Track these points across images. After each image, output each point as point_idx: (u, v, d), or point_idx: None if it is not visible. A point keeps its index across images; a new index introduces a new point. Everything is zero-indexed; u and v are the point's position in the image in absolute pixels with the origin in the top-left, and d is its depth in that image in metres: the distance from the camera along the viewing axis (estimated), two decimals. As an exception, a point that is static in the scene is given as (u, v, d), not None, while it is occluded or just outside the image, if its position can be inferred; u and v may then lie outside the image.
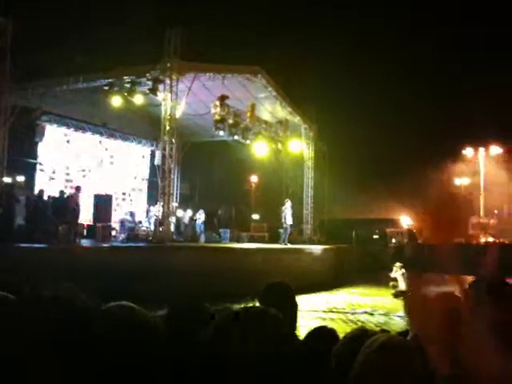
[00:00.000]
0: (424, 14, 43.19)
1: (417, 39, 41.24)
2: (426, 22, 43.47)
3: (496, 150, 34.58)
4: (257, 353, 1.46)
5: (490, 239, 29.25)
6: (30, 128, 18.03)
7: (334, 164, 25.89)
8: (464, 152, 35.07)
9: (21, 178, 19.52)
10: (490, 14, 40.46)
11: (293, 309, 2.40)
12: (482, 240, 29.02)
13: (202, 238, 19.65)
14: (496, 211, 35.91)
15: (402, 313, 12.20)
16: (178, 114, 16.89)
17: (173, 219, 17.86)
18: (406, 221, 30.48)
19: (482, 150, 34.85)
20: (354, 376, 1.40)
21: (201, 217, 20.32)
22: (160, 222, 16.34)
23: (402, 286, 14.57)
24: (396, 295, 14.48)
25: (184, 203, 24.44)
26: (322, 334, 2.30)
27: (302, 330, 2.59)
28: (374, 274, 19.63)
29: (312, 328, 2.47)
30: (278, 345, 1.52)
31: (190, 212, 23.47)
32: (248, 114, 20.18)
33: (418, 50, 40.21)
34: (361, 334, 1.72)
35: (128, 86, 16.30)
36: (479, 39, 40.14)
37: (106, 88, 16.42)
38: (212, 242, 19.74)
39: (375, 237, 25.43)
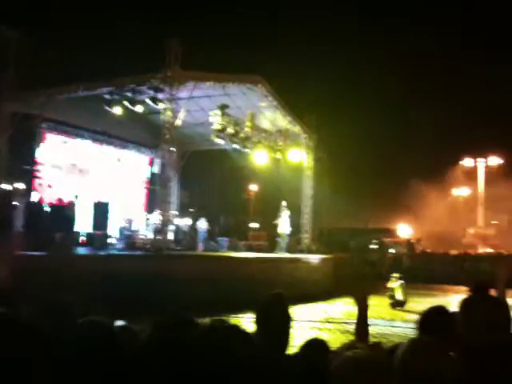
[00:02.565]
0: (425, 28, 43.49)
1: (417, 48, 41.45)
2: (428, 33, 43.67)
3: (496, 160, 34.63)
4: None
5: (489, 250, 29.25)
6: (30, 135, 18.08)
7: (334, 174, 25.95)
8: (463, 163, 35.14)
9: (20, 185, 19.54)
10: (490, 27, 40.76)
11: (285, 322, 2.41)
12: (480, 250, 29.02)
13: (200, 247, 19.63)
14: (495, 222, 35.92)
15: (399, 323, 12.18)
16: (178, 122, 16.94)
17: (171, 227, 17.85)
18: (403, 230, 30.51)
19: (481, 160, 34.91)
20: None
21: (203, 225, 20.30)
22: (158, 230, 16.34)
23: (399, 296, 14.55)
24: (393, 305, 14.46)
25: (183, 211, 24.44)
26: (314, 346, 2.37)
27: (300, 340, 2.62)
28: (371, 284, 19.58)
29: (305, 340, 2.52)
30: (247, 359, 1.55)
31: (188, 220, 23.47)
32: (248, 123, 20.23)
33: (418, 60, 40.45)
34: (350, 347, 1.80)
35: (128, 94, 16.36)
36: (479, 50, 40.38)
37: (107, 96, 16.49)
38: (210, 250, 19.72)
39: (373, 246, 25.40)
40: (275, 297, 2.53)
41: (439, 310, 2.52)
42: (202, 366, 1.55)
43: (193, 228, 21.65)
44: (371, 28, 43.48)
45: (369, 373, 1.44)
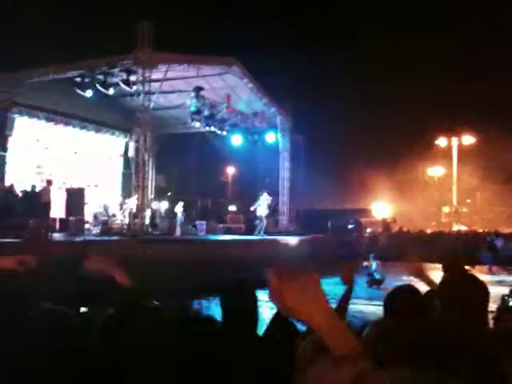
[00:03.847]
0: (395, 5, 43.56)
1: (390, 29, 41.53)
2: (400, 10, 43.78)
3: (469, 139, 35.09)
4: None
5: (463, 227, 29.84)
6: (0, 120, 17.61)
7: (310, 155, 26.02)
8: (437, 142, 35.53)
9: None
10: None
11: (253, 305, 2.42)
12: (455, 228, 29.58)
13: (178, 231, 19.54)
14: (469, 200, 36.62)
15: (375, 301, 12.35)
16: (152, 104, 16.71)
17: (148, 212, 17.70)
18: (379, 211, 30.88)
19: (455, 139, 35.33)
20: None
21: (180, 209, 20.17)
22: (135, 215, 16.19)
23: (377, 275, 14.74)
24: (370, 284, 14.65)
25: (160, 195, 24.25)
26: (282, 327, 2.38)
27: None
28: (349, 264, 19.83)
29: (274, 321, 2.53)
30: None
31: (165, 204, 23.30)
32: (224, 105, 20.08)
33: (390, 43, 40.56)
34: None
35: (100, 77, 16.03)
36: (451, 28, 40.63)
37: (78, 79, 16.13)
38: (188, 234, 19.65)
39: (350, 226, 25.66)
40: (238, 284, 2.55)
41: (407, 289, 2.52)
42: (160, 352, 1.52)
43: (170, 212, 21.51)
44: (346, 12, 43.35)
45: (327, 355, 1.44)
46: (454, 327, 1.83)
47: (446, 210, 34.52)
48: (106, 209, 18.35)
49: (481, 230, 26.73)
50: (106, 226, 17.18)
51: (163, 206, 23.21)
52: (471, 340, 1.47)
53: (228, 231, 22.00)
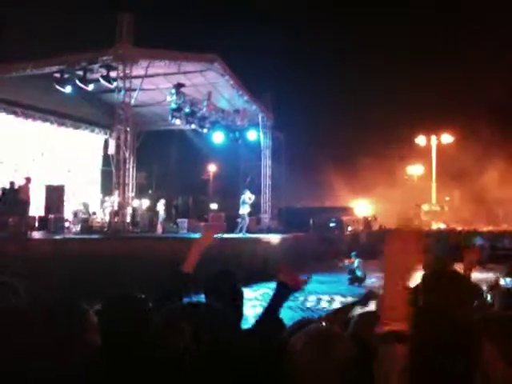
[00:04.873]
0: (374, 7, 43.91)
1: (368, 29, 41.85)
2: (378, 11, 44.12)
3: (448, 138, 35.54)
4: (209, 345, 1.44)
5: (442, 225, 30.20)
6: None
7: (292, 153, 26.09)
8: (417, 140, 35.92)
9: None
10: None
11: (237, 298, 2.41)
12: (434, 226, 29.94)
13: (160, 229, 19.40)
14: (447, 198, 37.13)
15: (356, 298, 12.43)
16: (133, 101, 16.54)
17: (129, 210, 17.54)
18: (360, 209, 31.10)
19: (433, 138, 35.75)
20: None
21: (162, 207, 20.03)
22: (115, 213, 16.01)
23: (359, 273, 14.82)
24: (351, 281, 14.74)
25: (140, 193, 24.07)
26: (269, 321, 2.35)
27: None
28: (330, 262, 19.92)
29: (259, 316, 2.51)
30: (227, 338, 1.50)
31: (146, 202, 23.13)
32: (205, 103, 19.98)
33: (368, 41, 40.89)
34: (304, 323, 1.83)
35: (80, 73, 15.80)
36: (425, 31, 41.10)
37: (57, 75, 15.87)
38: (169, 232, 19.51)
39: (332, 224, 25.78)
40: (222, 273, 2.53)
41: None
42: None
43: (152, 210, 21.36)
44: (327, 8, 43.53)
45: (320, 344, 1.45)
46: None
47: (425, 208, 34.89)
48: (85, 206, 18.11)
49: (460, 229, 27.04)
50: (87, 224, 16.96)
51: (144, 203, 23.04)
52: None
53: (209, 229, 21.86)
